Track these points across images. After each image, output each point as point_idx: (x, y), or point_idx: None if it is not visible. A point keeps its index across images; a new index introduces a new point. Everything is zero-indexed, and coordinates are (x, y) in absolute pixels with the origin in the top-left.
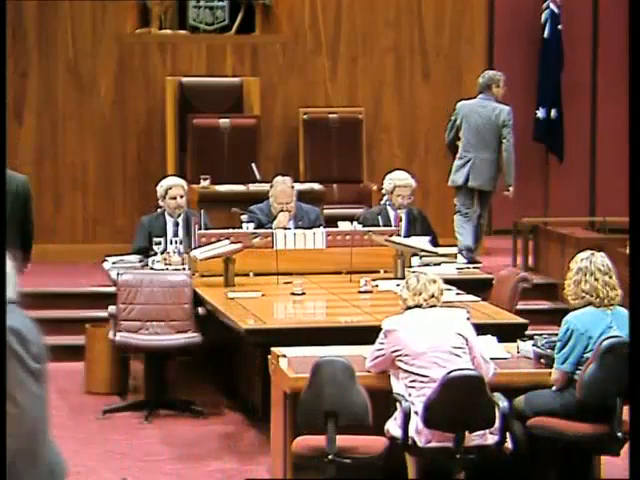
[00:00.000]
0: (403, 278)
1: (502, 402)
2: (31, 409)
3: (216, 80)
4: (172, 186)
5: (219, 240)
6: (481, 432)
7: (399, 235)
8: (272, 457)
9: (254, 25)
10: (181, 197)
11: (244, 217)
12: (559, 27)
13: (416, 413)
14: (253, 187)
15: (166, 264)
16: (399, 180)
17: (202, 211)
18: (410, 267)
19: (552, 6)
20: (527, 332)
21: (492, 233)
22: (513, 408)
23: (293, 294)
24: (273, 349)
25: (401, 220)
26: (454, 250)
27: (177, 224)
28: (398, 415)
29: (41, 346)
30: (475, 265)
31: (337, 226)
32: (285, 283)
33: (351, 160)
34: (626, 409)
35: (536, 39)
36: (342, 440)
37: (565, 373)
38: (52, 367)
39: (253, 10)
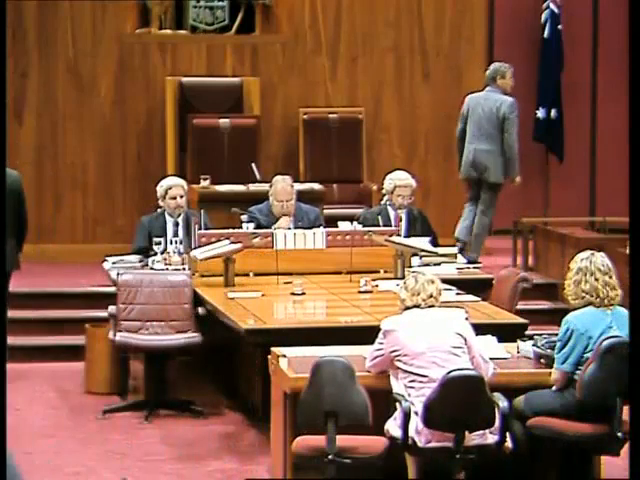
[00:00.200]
0: (403, 278)
1: (502, 402)
2: None
3: (216, 80)
4: (172, 186)
5: (219, 240)
6: (481, 432)
7: (399, 235)
8: (272, 457)
9: (254, 25)
10: (181, 197)
11: (244, 217)
12: (559, 27)
13: (416, 413)
14: (253, 187)
15: (166, 264)
16: (399, 180)
17: (202, 211)
18: (410, 267)
19: (552, 6)
20: (527, 332)
21: (492, 233)
22: (513, 408)
23: (293, 294)
24: (273, 349)
25: (401, 220)
26: (454, 250)
27: (177, 224)
28: (398, 415)
29: None
30: (475, 265)
31: (337, 226)
32: (285, 283)
33: (351, 160)
34: (626, 409)
35: (536, 39)
36: (342, 440)
37: (565, 373)
38: (52, 367)
39: (253, 10)
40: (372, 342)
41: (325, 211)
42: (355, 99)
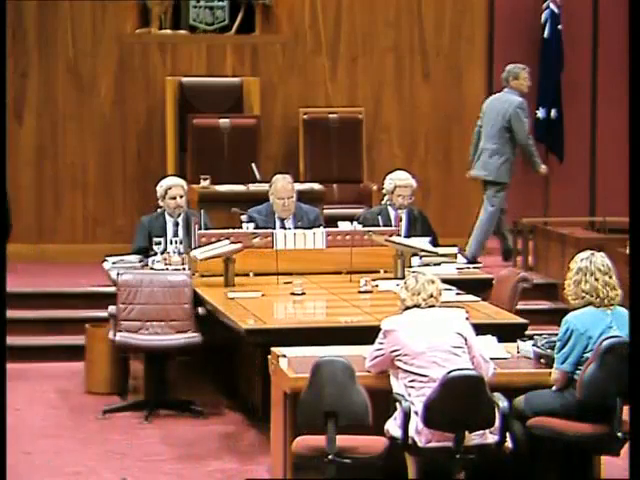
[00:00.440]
0: (403, 278)
1: (502, 402)
2: None
3: (216, 80)
4: (172, 186)
5: (219, 240)
6: (481, 432)
7: (399, 235)
8: (272, 457)
9: (254, 25)
10: (181, 197)
11: (244, 217)
12: (559, 27)
13: (416, 413)
14: (253, 187)
15: (166, 264)
16: (400, 180)
17: (202, 211)
18: (410, 267)
19: (552, 6)
20: (527, 332)
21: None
22: (513, 408)
23: (293, 294)
24: (273, 349)
25: (401, 220)
26: (454, 250)
27: (177, 224)
28: (398, 415)
29: None
30: (475, 265)
31: (337, 226)
32: (285, 283)
33: (351, 160)
34: (626, 409)
35: (536, 39)
36: (342, 440)
37: (565, 373)
38: (52, 367)
39: (253, 10)
40: (372, 342)
41: (325, 211)
42: (355, 99)
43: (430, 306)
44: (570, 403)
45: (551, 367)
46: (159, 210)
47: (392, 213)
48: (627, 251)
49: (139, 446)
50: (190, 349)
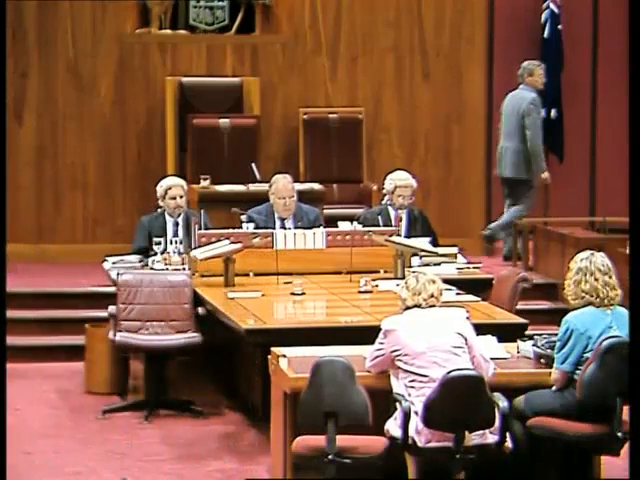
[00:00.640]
0: (403, 278)
1: (502, 402)
2: None
3: (216, 80)
4: (172, 186)
5: (219, 240)
6: (481, 432)
7: (399, 235)
8: (272, 457)
9: (254, 25)
10: (181, 197)
11: (244, 217)
12: (559, 27)
13: (416, 413)
14: (253, 187)
15: (166, 264)
16: (400, 180)
17: (202, 211)
18: (410, 267)
19: (552, 6)
20: (527, 332)
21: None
22: (513, 408)
23: (293, 294)
24: (273, 349)
25: (402, 220)
26: (454, 250)
27: (177, 224)
28: (398, 415)
29: None
30: (475, 265)
31: (337, 226)
32: (285, 283)
33: (351, 160)
34: (626, 409)
35: (536, 39)
36: (342, 440)
37: (565, 373)
38: (52, 367)
39: (253, 10)
40: (372, 342)
41: (325, 211)
42: (355, 99)
43: (431, 306)
44: (570, 403)
45: (551, 367)
46: (159, 210)
47: (392, 213)
48: (627, 251)
49: (139, 446)
50: (190, 349)
